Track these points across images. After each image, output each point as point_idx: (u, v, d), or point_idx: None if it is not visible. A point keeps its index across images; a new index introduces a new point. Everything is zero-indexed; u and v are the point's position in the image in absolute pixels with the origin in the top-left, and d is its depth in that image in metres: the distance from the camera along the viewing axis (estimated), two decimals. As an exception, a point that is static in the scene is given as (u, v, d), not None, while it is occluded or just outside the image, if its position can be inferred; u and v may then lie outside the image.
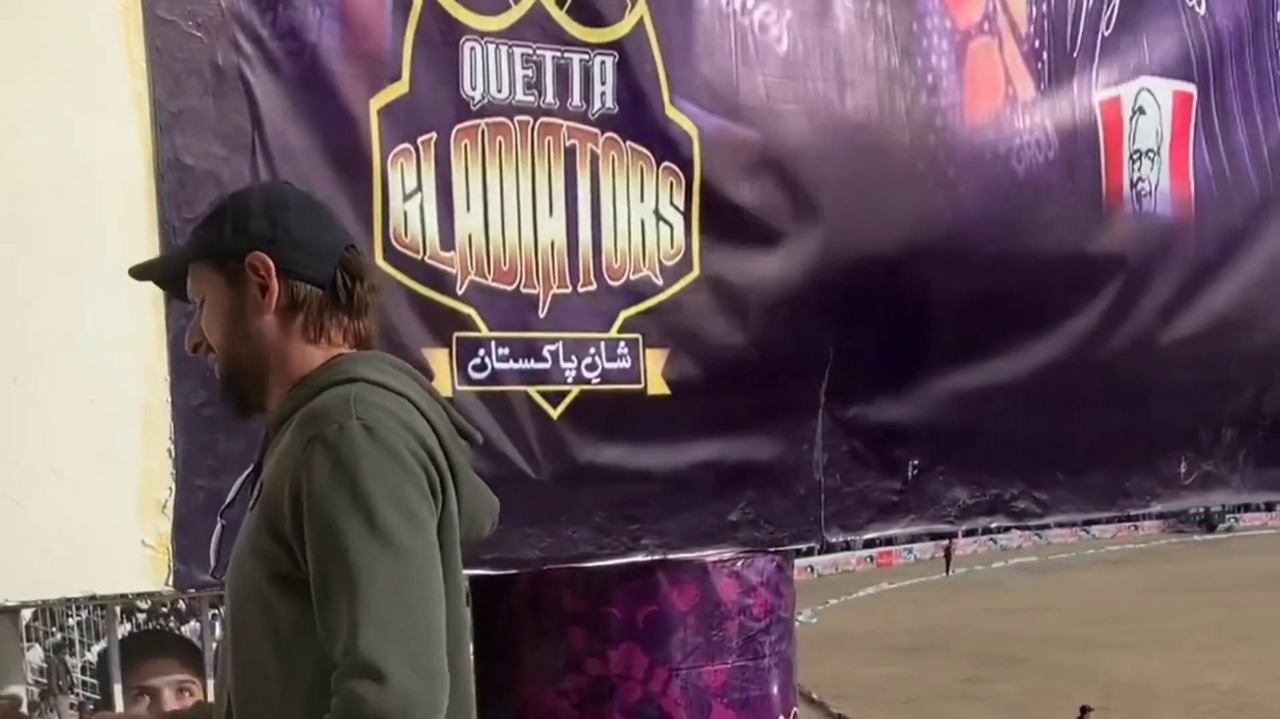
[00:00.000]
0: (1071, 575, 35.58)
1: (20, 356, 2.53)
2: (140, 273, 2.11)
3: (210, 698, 2.90)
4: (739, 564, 3.56)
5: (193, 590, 2.78)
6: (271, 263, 1.93)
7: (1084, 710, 16.47)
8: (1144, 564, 36.19)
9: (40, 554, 2.54)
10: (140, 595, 2.80)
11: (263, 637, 1.84)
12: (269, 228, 1.96)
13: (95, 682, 3.24)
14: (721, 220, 3.44)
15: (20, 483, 2.53)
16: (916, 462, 3.86)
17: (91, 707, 3.49)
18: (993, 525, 4.10)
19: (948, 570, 37.82)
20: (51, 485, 2.56)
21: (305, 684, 1.79)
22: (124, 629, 3.24)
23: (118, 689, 2.69)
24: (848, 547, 36.10)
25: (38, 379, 2.54)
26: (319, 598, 1.73)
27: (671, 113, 3.34)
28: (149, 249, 2.63)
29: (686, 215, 3.40)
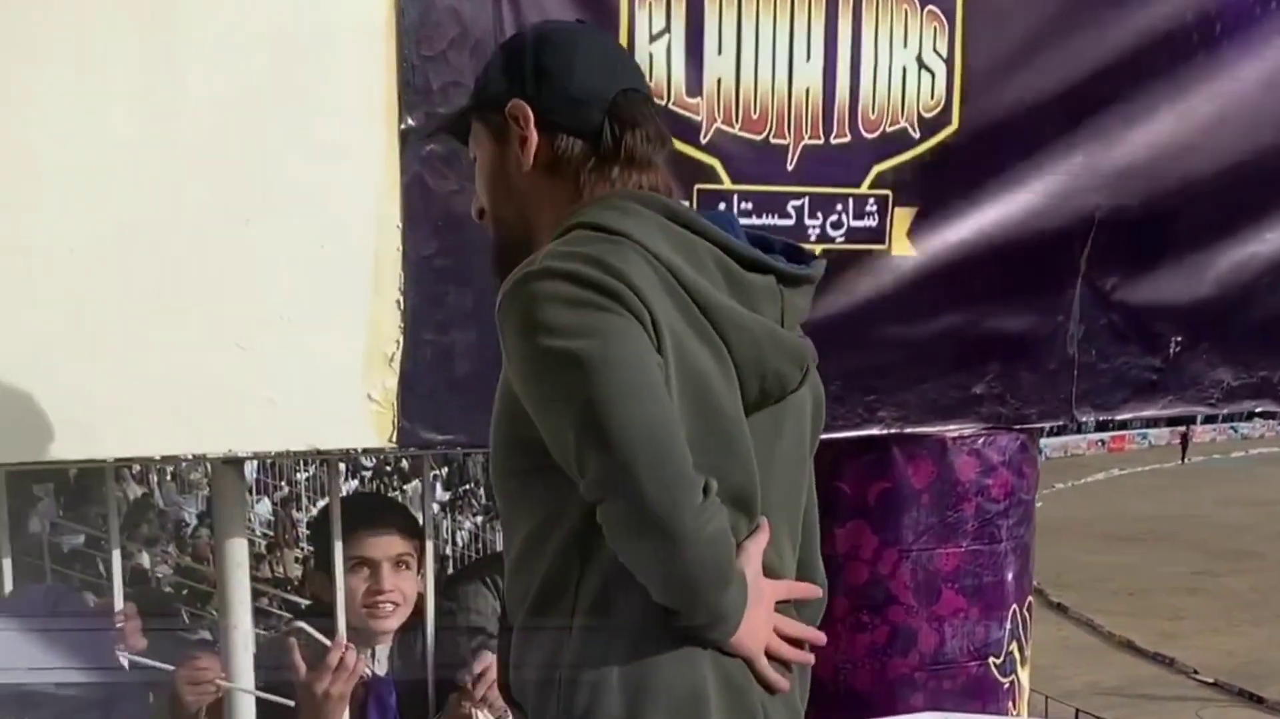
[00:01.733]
0: None
1: (252, 199, 2.41)
2: (427, 132, 2.05)
3: (426, 568, 2.82)
4: (980, 441, 3.33)
5: (414, 449, 2.67)
6: (531, 112, 1.78)
7: None
8: None
9: (264, 405, 2.45)
10: (367, 452, 2.71)
11: (508, 495, 1.79)
12: (532, 74, 1.80)
13: (312, 540, 3.17)
14: (984, 71, 3.15)
15: (246, 329, 2.44)
16: (1179, 338, 3.56)
17: (311, 563, 3.45)
18: (1257, 410, 3.79)
19: (1184, 458, 36.56)
20: (278, 334, 2.46)
21: (528, 535, 1.72)
22: (349, 487, 3.18)
23: (337, 548, 2.61)
24: (1079, 429, 34.96)
25: (269, 222, 2.42)
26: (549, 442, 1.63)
27: (938, -49, 3.04)
28: (387, 88, 2.49)
29: (949, 64, 3.11)
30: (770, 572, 1.79)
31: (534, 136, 1.78)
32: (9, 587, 2.80)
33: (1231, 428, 39.55)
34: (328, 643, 2.69)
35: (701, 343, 1.67)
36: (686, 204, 1.85)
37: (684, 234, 1.71)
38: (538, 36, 1.86)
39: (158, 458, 2.53)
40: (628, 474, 1.55)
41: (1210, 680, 16.59)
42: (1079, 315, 3.39)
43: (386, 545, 2.85)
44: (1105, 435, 37.95)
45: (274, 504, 13.73)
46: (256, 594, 3.78)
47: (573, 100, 1.78)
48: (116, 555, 2.65)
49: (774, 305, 1.79)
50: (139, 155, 2.33)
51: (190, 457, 2.51)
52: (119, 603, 2.61)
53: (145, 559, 10.33)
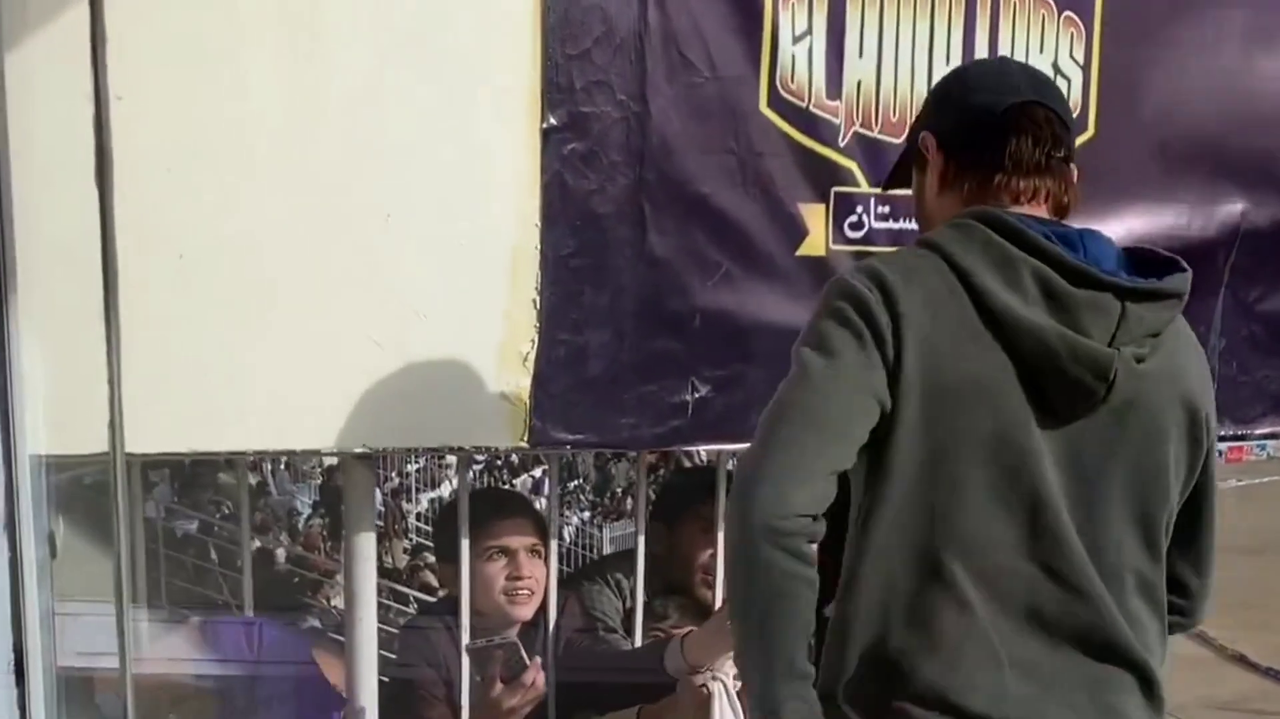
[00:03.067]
0: None
1: (394, 193, 2.41)
2: (886, 186, 2.27)
3: (552, 560, 2.83)
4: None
5: (545, 448, 2.67)
6: (933, 140, 1.97)
7: None
8: None
9: (399, 400, 2.46)
10: (502, 450, 2.72)
11: None
12: (939, 104, 2.03)
13: (430, 531, 3.19)
14: (1121, 77, 3.08)
15: (382, 324, 2.45)
16: (1320, 352, 3.46)
17: (432, 557, 3.49)
18: (1391, 430, 3.66)
19: (1306, 470, 35.77)
20: (413, 329, 2.47)
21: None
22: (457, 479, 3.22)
23: (464, 544, 2.62)
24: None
25: (409, 217, 2.43)
26: None
27: (1078, -43, 2.98)
28: (530, 85, 2.48)
29: (1086, 70, 3.05)
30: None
31: (937, 159, 1.96)
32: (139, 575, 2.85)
33: (1354, 440, 38.65)
34: (528, 661, 2.71)
35: (980, 348, 1.79)
36: (1038, 220, 1.90)
37: (1004, 249, 1.81)
38: (952, 72, 2.12)
39: (298, 450, 2.55)
40: (753, 445, 1.78)
41: (1325, 698, 16.18)
42: (1220, 326, 3.31)
43: (521, 534, 2.88)
44: (1223, 445, 37.20)
45: (384, 495, 13.88)
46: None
47: (966, 121, 1.94)
48: (247, 552, 2.69)
49: (1104, 318, 1.82)
50: (285, 149, 2.35)
51: (326, 450, 2.52)
52: (248, 593, 2.64)
53: (272, 546, 10.48)
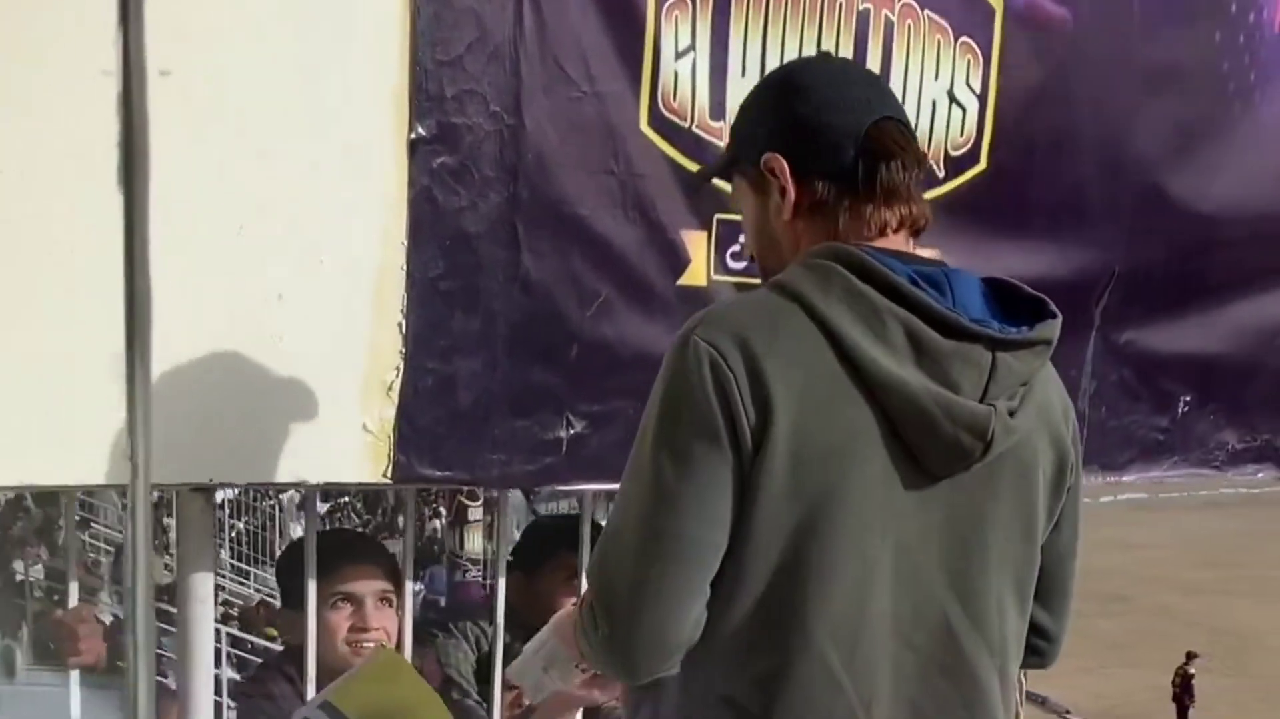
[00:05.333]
0: (1181, 516, 34.74)
1: (249, 204, 2.19)
2: (695, 187, 2.20)
3: (405, 611, 2.63)
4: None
5: (410, 485, 2.47)
6: (786, 163, 1.79)
7: (1189, 657, 16.12)
8: (1253, 509, 35.11)
9: (247, 428, 2.24)
10: (362, 486, 2.52)
11: None
12: (782, 121, 1.81)
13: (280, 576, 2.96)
14: (1017, 109, 3.01)
15: (232, 345, 2.22)
16: (1188, 398, 3.43)
17: (274, 602, 3.28)
18: (1258, 475, 3.66)
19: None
20: (266, 352, 2.25)
21: None
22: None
23: (311, 586, 2.40)
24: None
25: (265, 230, 2.21)
26: None
27: (975, -21, 2.89)
28: (397, 92, 2.29)
29: (982, 100, 2.96)
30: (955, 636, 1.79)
31: (792, 188, 1.79)
32: None
33: (1100, 474, 40.16)
34: None
35: (849, 407, 1.67)
36: (902, 257, 1.78)
37: (870, 299, 1.69)
38: (785, 82, 1.87)
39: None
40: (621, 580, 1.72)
41: (1082, 721, 16.62)
42: (1091, 370, 3.25)
43: (369, 579, 2.68)
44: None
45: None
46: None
47: (825, 144, 1.77)
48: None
49: (975, 371, 1.72)
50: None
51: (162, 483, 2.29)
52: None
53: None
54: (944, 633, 1.76)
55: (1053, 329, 1.81)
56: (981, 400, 1.71)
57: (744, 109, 1.90)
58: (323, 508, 6.92)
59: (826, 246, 1.74)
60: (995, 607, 1.80)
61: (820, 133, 1.77)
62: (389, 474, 2.35)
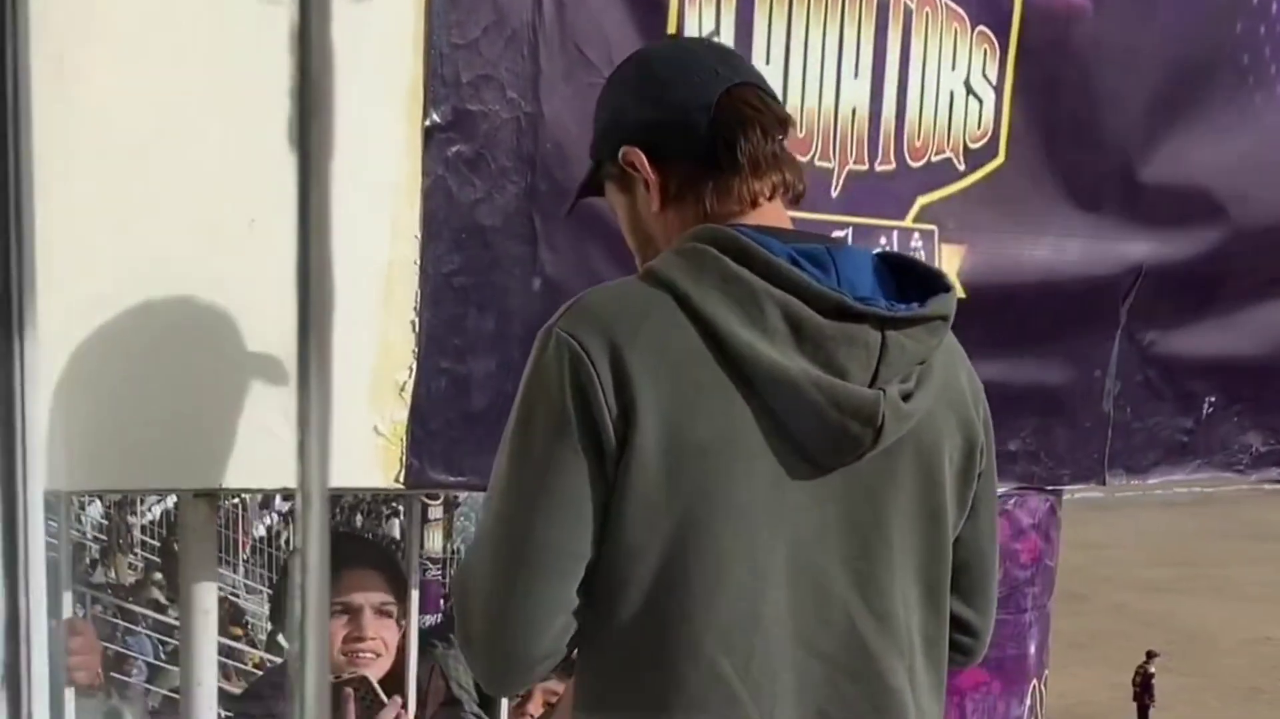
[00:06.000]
0: (1136, 514, 34.88)
1: (257, 197, 2.06)
2: (569, 207, 2.02)
3: (410, 621, 2.51)
4: (1011, 502, 3.08)
5: (422, 491, 2.35)
6: (642, 153, 1.69)
7: (1149, 655, 16.17)
8: (1207, 507, 35.38)
9: (258, 432, 2.12)
10: (368, 492, 2.40)
11: None
12: (630, 111, 1.73)
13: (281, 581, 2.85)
14: (1035, 101, 2.91)
15: (239, 343, 2.10)
16: (1213, 399, 3.35)
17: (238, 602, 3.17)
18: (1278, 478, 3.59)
19: (1013, 501, 37.55)
20: (273, 351, 2.12)
21: None
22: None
23: (312, 590, 2.26)
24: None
25: (274, 224, 2.09)
26: None
27: (994, -34, 2.81)
28: (412, 77, 2.17)
29: (999, 91, 2.87)
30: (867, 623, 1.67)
31: (653, 177, 1.69)
32: None
33: (1055, 473, 40.71)
34: (385, 699, 2.44)
35: (726, 401, 1.56)
36: (781, 235, 1.64)
37: (746, 281, 1.57)
38: (628, 71, 1.79)
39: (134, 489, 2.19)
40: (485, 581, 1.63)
41: (1042, 721, 16.66)
42: (1116, 370, 3.16)
43: (368, 590, 2.59)
44: (1098, 494, 38.51)
45: (105, 507, 12.93)
46: (94, 600, 3.48)
47: (675, 124, 1.67)
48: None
49: (863, 353, 1.59)
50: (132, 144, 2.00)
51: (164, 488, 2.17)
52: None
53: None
54: (849, 635, 1.64)
55: (946, 303, 1.68)
56: (872, 384, 1.60)
57: (596, 109, 1.80)
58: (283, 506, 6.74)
59: (700, 229, 1.63)
60: (901, 602, 1.69)
61: (669, 113, 1.68)
62: (401, 479, 2.23)
